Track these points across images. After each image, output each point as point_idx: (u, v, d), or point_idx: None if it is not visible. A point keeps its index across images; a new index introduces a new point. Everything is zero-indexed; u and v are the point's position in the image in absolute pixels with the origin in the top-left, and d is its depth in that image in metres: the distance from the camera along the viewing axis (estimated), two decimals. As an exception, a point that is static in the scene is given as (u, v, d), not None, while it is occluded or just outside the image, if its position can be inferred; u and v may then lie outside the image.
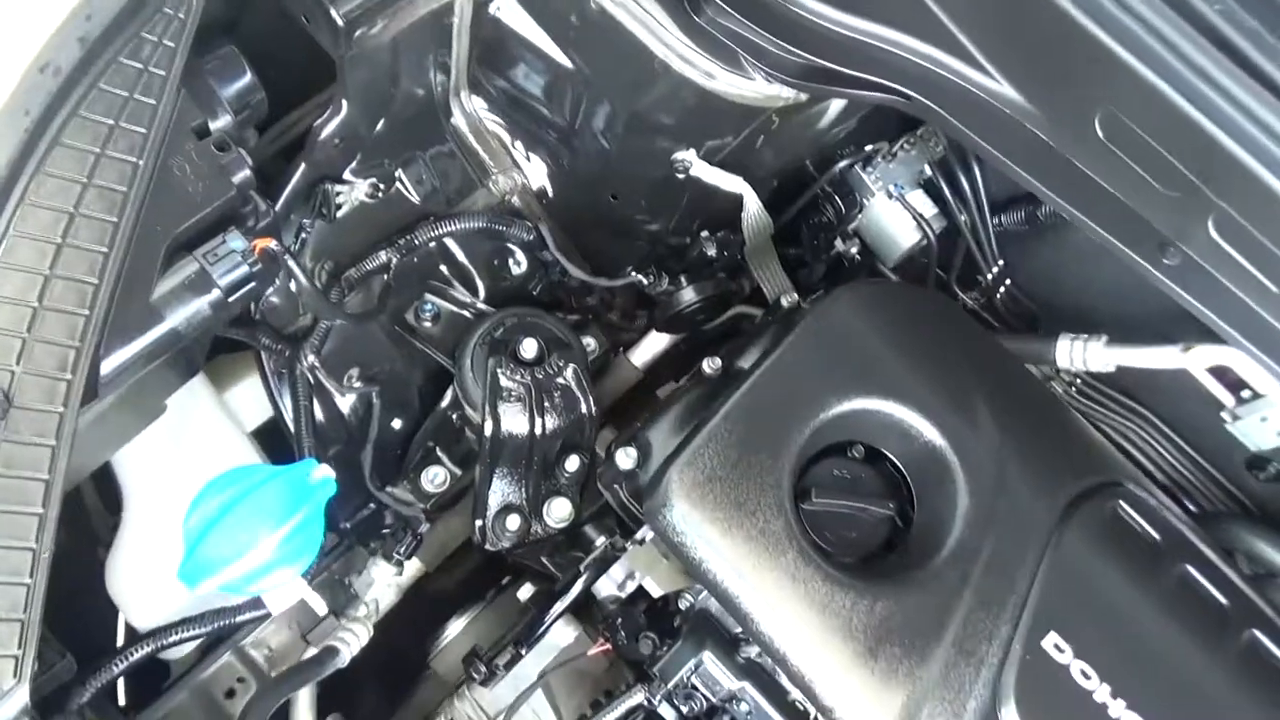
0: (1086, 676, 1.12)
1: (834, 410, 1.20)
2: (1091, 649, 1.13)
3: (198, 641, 1.36)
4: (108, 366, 0.97)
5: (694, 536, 1.14)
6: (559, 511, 1.43)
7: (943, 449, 1.20)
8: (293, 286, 1.26)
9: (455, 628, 1.52)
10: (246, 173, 1.08)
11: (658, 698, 1.18)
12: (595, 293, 1.67)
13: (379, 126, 1.38)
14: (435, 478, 1.52)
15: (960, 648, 1.11)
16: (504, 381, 1.36)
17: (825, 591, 1.12)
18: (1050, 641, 1.13)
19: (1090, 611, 1.16)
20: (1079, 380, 1.67)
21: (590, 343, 1.58)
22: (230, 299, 1.06)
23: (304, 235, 1.35)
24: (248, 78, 1.14)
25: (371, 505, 1.54)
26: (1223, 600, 1.22)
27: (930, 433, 1.20)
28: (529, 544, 1.43)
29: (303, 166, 1.33)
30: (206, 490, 1.07)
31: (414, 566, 1.55)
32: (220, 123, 1.11)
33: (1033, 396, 1.37)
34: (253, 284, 1.08)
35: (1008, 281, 1.75)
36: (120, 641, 1.37)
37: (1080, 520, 1.20)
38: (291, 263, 1.16)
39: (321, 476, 1.05)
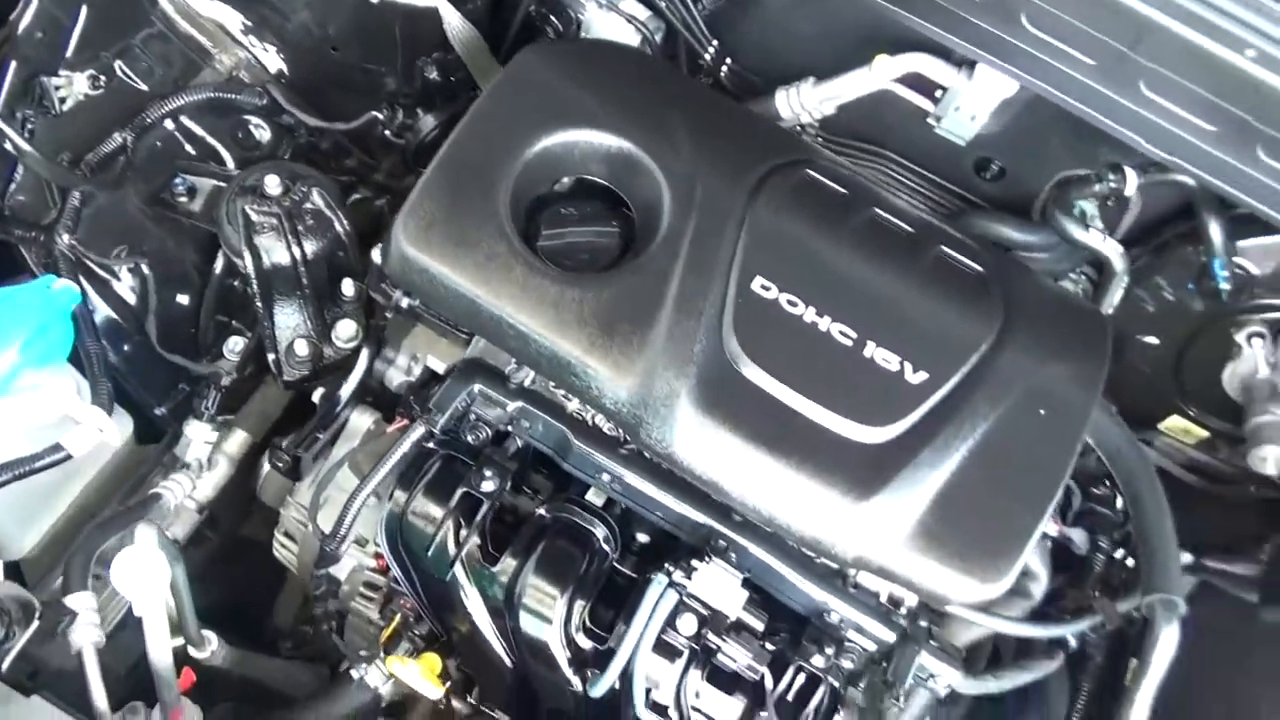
0: (793, 305, 1.28)
1: (535, 146, 1.33)
2: (793, 282, 1.29)
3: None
4: None
5: (429, 278, 1.26)
6: (345, 332, 1.53)
7: (637, 155, 1.34)
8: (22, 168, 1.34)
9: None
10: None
11: (438, 428, 1.30)
12: (353, 155, 1.78)
13: (81, 17, 1.47)
14: (235, 346, 1.62)
15: (680, 308, 1.25)
16: (255, 217, 1.46)
17: (555, 292, 1.25)
18: (757, 284, 1.28)
19: (789, 254, 1.31)
20: (819, 138, 1.83)
21: (358, 197, 1.69)
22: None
23: (30, 127, 1.43)
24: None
25: (182, 386, 1.64)
26: (910, 229, 1.40)
27: (623, 144, 1.34)
28: (324, 368, 1.53)
29: (13, 63, 1.41)
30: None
31: (239, 437, 1.64)
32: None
33: (719, 105, 1.53)
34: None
35: (728, 61, 1.91)
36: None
37: (771, 188, 1.36)
38: (5, 127, 1.24)
39: (62, 287, 1.14)
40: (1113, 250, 1.61)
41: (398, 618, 1.41)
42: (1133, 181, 1.50)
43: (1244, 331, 1.66)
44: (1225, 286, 1.62)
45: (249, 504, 1.67)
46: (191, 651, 1.38)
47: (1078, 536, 1.46)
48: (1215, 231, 1.48)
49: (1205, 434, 1.88)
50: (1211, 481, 1.83)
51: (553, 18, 1.86)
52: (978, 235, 1.58)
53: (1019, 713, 1.42)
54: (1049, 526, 1.43)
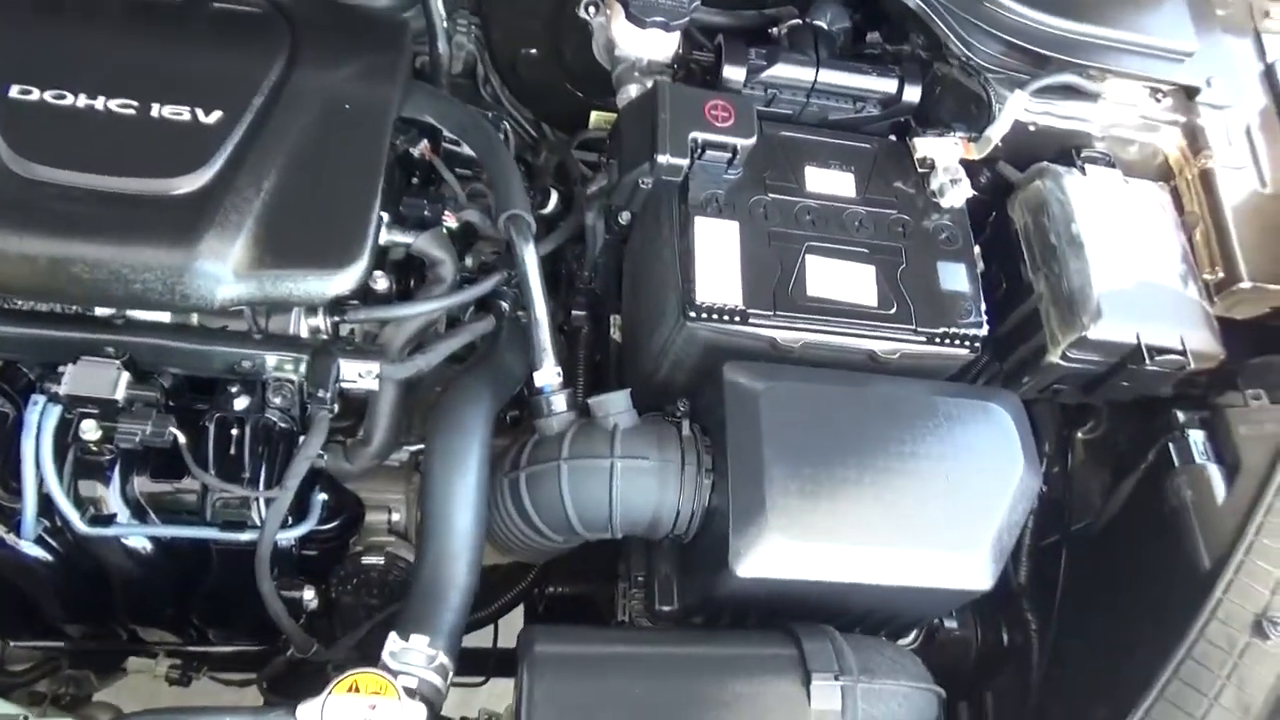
0: (61, 98, 1.27)
1: None
2: (52, 78, 1.28)
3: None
4: None
5: None
6: None
7: None
8: None
9: None
10: None
11: None
12: None
13: None
14: None
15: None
16: None
17: None
18: (15, 91, 1.26)
19: (40, 54, 1.30)
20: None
21: None
22: None
23: None
24: None
25: None
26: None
27: None
28: None
29: None
30: None
31: None
32: None
33: None
34: None
35: None
36: None
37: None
38: None
39: None
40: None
41: None
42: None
43: (582, 5, 1.85)
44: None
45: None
46: None
47: (475, 217, 1.59)
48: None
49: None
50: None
51: None
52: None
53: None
54: (447, 218, 1.54)
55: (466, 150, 1.75)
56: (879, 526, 1.27)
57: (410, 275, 1.54)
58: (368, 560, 1.45)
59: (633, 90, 1.71)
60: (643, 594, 1.46)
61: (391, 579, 1.45)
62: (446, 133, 1.56)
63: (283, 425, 1.33)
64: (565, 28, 1.94)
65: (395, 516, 1.52)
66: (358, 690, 1.03)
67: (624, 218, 1.92)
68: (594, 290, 1.86)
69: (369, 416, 1.43)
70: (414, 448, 1.55)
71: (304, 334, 1.38)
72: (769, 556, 1.23)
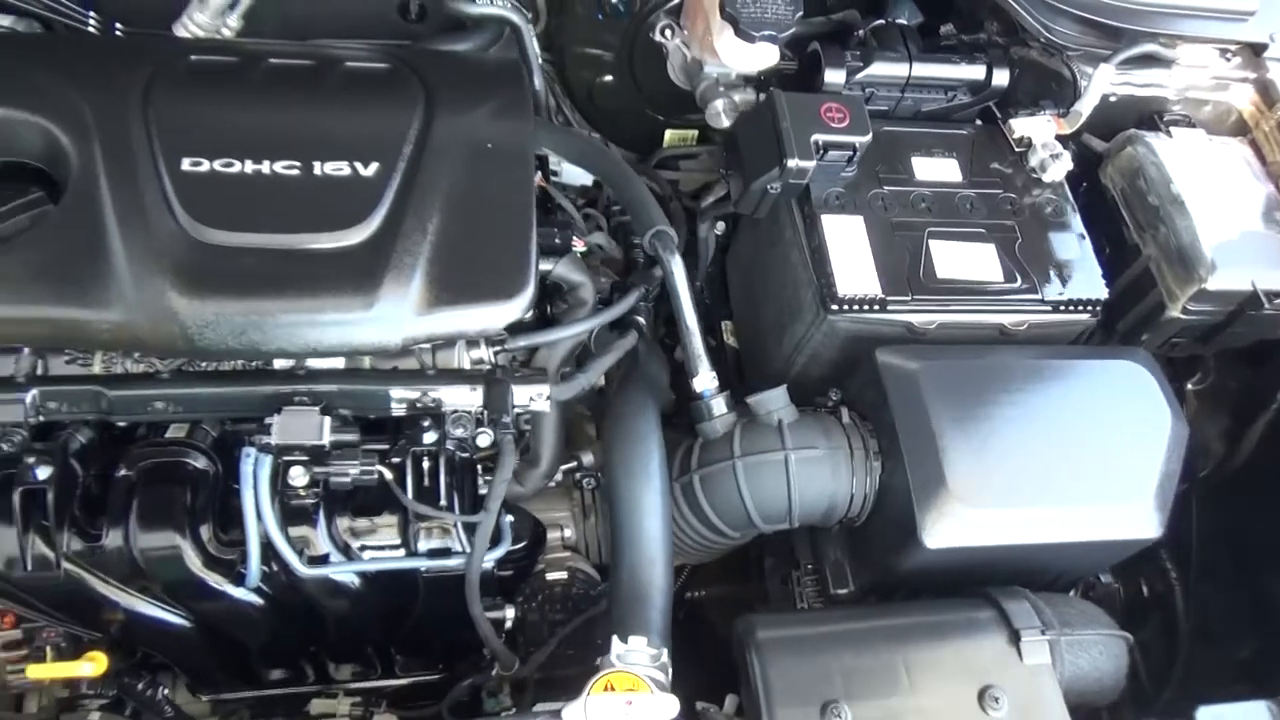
0: (230, 165, 1.33)
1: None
2: (219, 148, 1.33)
3: None
4: None
5: None
6: None
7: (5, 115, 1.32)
8: None
9: None
10: None
11: None
12: None
13: None
14: None
15: (124, 218, 1.25)
16: None
17: (-9, 267, 1.22)
18: (188, 164, 1.31)
19: (203, 128, 1.35)
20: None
21: None
22: None
23: None
24: None
25: None
26: (310, 62, 1.48)
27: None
28: None
29: None
30: None
31: None
32: None
33: (82, 42, 1.53)
34: None
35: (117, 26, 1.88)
36: None
37: (161, 83, 1.38)
38: None
39: None
40: (511, 11, 1.78)
41: (49, 649, 1.35)
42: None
43: (657, 30, 1.92)
44: (617, 1, 1.86)
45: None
46: None
47: (602, 240, 1.65)
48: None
49: (695, 130, 2.17)
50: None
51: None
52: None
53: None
54: (577, 243, 1.61)
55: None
56: (1050, 487, 1.34)
57: (546, 300, 1.60)
58: (552, 576, 1.50)
59: (719, 105, 1.78)
60: (814, 580, 1.52)
61: (574, 593, 1.51)
62: (565, 163, 1.63)
63: (461, 455, 1.38)
64: (639, 54, 2.01)
65: (567, 533, 1.57)
66: (613, 689, 1.09)
67: (719, 228, 2.00)
68: (705, 300, 1.93)
69: (535, 438, 1.48)
70: (566, 465, 1.60)
71: (467, 365, 1.44)
72: (955, 526, 1.29)
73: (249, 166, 1.33)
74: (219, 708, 1.59)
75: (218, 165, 1.32)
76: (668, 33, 1.91)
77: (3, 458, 1.28)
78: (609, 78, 2.08)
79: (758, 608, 1.73)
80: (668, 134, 2.18)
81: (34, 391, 1.29)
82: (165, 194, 1.29)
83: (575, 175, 1.91)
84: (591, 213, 1.78)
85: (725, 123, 1.77)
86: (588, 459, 1.63)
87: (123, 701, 1.42)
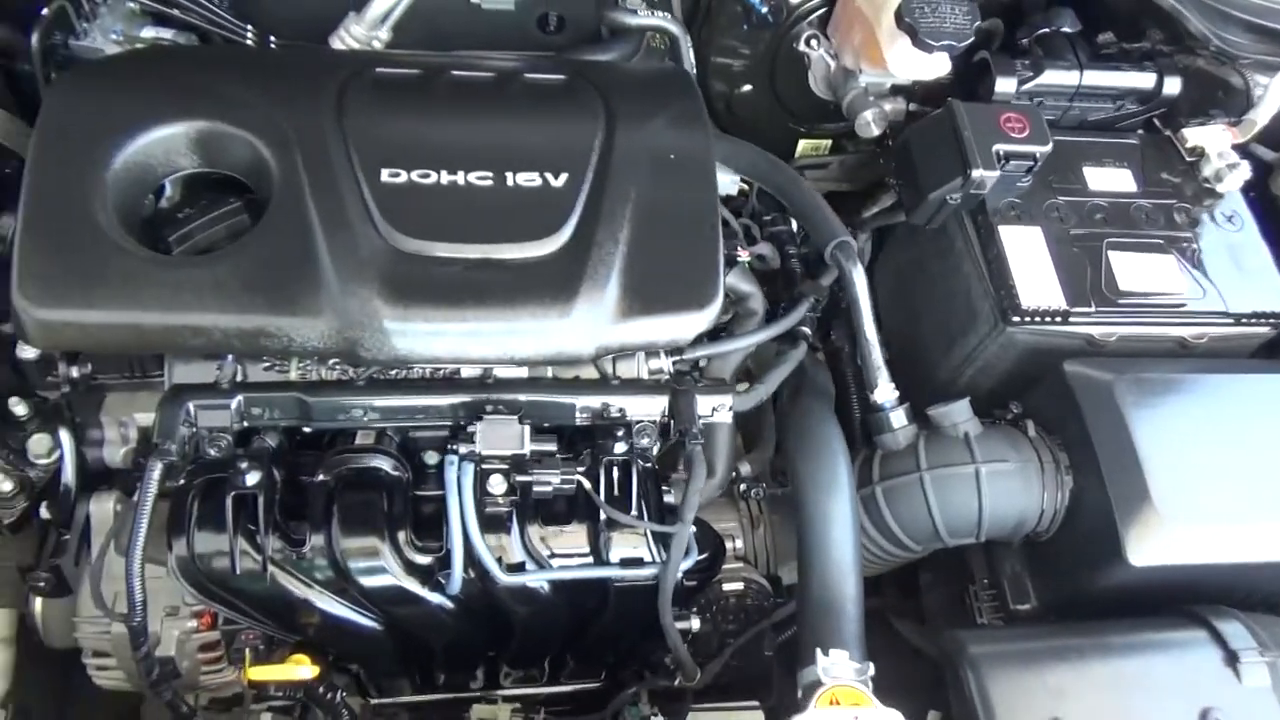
0: (426, 176, 1.35)
1: (114, 163, 1.29)
2: (415, 159, 1.35)
3: None
4: None
5: (81, 329, 1.22)
6: (39, 448, 1.41)
7: (214, 128, 1.33)
8: None
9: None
10: None
11: (174, 456, 1.26)
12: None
13: None
14: None
15: (330, 230, 1.27)
16: None
17: (206, 276, 1.24)
18: (386, 175, 1.34)
19: (398, 139, 1.37)
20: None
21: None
22: None
23: None
24: None
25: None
26: (490, 74, 1.50)
27: (194, 125, 1.33)
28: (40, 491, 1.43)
29: None
30: None
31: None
32: None
33: (268, 56, 1.57)
34: None
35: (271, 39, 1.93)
36: None
37: (353, 95, 1.40)
38: None
39: None
40: (669, 22, 1.79)
41: (248, 651, 1.37)
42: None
43: (801, 40, 1.92)
44: (765, 11, 1.86)
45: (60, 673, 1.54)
46: None
47: (766, 250, 1.65)
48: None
49: (828, 140, 2.17)
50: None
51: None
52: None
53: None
54: (742, 254, 1.61)
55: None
56: (1259, 502, 1.30)
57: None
58: (728, 587, 1.50)
59: (870, 115, 1.77)
60: (991, 595, 1.50)
61: (749, 604, 1.50)
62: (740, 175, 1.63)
63: (644, 464, 1.39)
64: (780, 64, 2.01)
65: (737, 544, 1.57)
66: (838, 703, 1.08)
67: (861, 239, 1.98)
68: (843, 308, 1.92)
69: (710, 449, 1.48)
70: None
71: (645, 376, 1.44)
72: (1162, 543, 1.27)
73: (445, 177, 1.35)
74: (380, 710, 1.61)
75: (415, 176, 1.34)
76: (813, 43, 1.91)
77: (210, 462, 1.31)
78: (748, 87, 2.09)
79: (895, 622, 1.72)
80: (801, 143, 2.18)
81: (239, 398, 1.32)
82: (366, 205, 1.31)
83: (720, 185, 1.92)
84: (748, 223, 1.78)
85: (875, 131, 1.76)
86: (745, 469, 1.63)
87: (308, 707, 1.44)
